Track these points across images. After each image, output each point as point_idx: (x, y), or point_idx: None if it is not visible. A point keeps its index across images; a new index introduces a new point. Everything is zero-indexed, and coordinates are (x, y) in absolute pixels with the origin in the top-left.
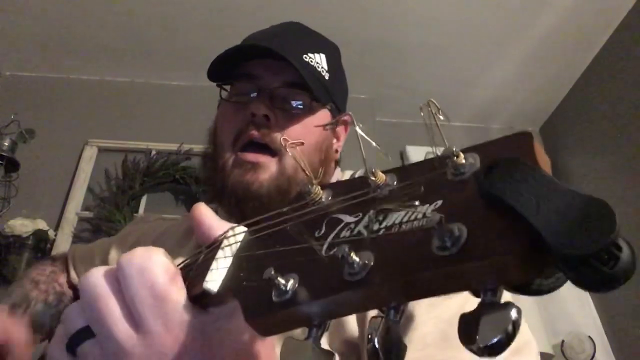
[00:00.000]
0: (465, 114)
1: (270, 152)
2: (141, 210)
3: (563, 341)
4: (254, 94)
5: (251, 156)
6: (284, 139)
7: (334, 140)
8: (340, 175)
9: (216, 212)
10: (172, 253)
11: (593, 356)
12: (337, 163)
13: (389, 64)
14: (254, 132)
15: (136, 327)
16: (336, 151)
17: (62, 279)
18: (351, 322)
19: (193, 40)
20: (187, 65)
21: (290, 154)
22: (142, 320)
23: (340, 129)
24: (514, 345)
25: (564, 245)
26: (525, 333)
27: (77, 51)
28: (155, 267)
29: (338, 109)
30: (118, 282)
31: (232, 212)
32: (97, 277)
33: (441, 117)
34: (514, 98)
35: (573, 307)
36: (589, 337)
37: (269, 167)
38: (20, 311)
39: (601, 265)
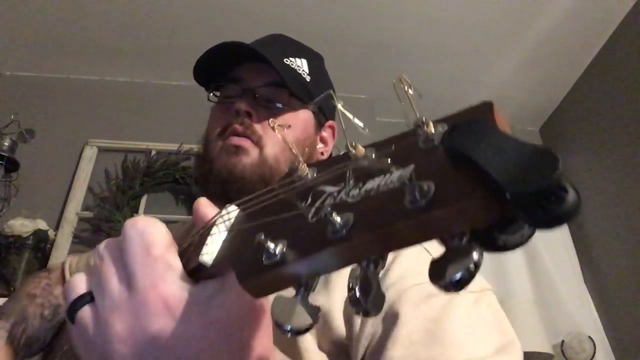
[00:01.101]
0: None
1: (252, 143)
2: (141, 210)
3: (563, 341)
4: (238, 95)
5: (235, 139)
6: (272, 121)
7: (320, 145)
8: None
9: None
10: None
11: (593, 356)
12: None
13: (389, 64)
14: (237, 126)
15: (128, 285)
16: (322, 153)
17: (58, 290)
18: (339, 323)
19: (193, 40)
20: (187, 65)
21: (277, 134)
22: (133, 277)
23: (327, 134)
24: (498, 343)
25: (514, 185)
26: (509, 333)
27: (77, 51)
28: (155, 231)
29: (323, 114)
30: (121, 245)
31: (218, 195)
32: (103, 244)
33: (411, 92)
34: (514, 98)
35: (573, 307)
36: (589, 337)
37: (251, 152)
38: (19, 330)
39: (549, 205)
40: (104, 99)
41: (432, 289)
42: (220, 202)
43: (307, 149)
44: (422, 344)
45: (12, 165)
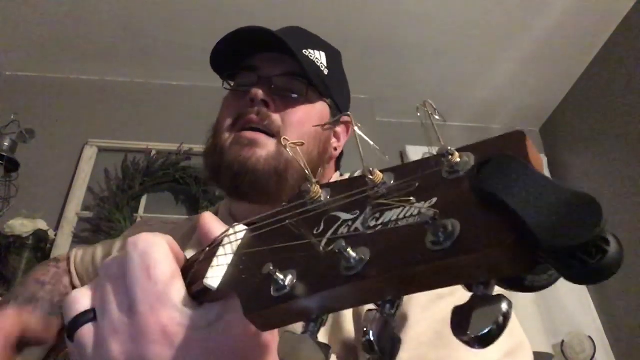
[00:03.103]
0: (465, 114)
1: (269, 135)
2: (141, 210)
3: (563, 341)
4: (254, 83)
5: (249, 134)
6: (284, 139)
7: (334, 139)
8: (339, 178)
9: (215, 213)
10: None
11: (593, 356)
12: (337, 164)
13: (389, 64)
14: (253, 116)
15: (128, 308)
16: (335, 149)
17: (66, 280)
18: (348, 324)
19: (193, 40)
20: (187, 65)
21: (291, 153)
22: (133, 300)
23: (341, 130)
24: (508, 346)
25: (551, 237)
26: (519, 335)
27: (77, 51)
28: (156, 252)
29: (338, 109)
30: (124, 267)
31: (229, 189)
32: (110, 261)
33: (437, 117)
34: (514, 98)
35: (573, 307)
36: (589, 337)
37: (267, 145)
38: (29, 309)
39: (588, 259)
40: (104, 99)
41: (440, 290)
42: (230, 194)
43: (322, 144)
44: (430, 346)
45: (12, 165)
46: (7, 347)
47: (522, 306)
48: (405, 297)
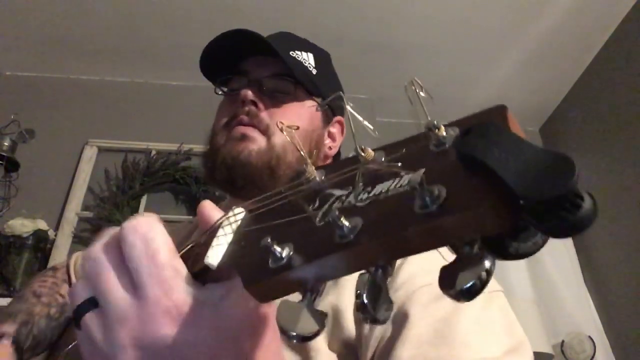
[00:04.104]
0: (465, 114)
1: (260, 131)
2: (141, 210)
3: (563, 341)
4: (244, 87)
5: (241, 128)
6: (280, 122)
7: (328, 140)
8: None
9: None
10: None
11: (593, 356)
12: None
13: (389, 64)
14: (243, 117)
15: (134, 293)
16: (330, 148)
17: (64, 289)
18: (349, 323)
19: (193, 40)
20: (187, 65)
21: (286, 136)
22: (142, 286)
23: (335, 130)
24: (508, 345)
25: (528, 192)
26: (519, 334)
27: (77, 51)
28: (157, 236)
29: (330, 108)
30: (119, 249)
31: (225, 185)
32: (99, 248)
33: (423, 94)
34: (514, 98)
35: (573, 307)
36: (589, 337)
37: (258, 139)
38: (26, 331)
39: (564, 212)
40: (104, 99)
41: (440, 290)
42: (227, 190)
43: (313, 142)
44: (431, 345)
45: (12, 165)
46: None
47: (522, 306)
48: (406, 296)
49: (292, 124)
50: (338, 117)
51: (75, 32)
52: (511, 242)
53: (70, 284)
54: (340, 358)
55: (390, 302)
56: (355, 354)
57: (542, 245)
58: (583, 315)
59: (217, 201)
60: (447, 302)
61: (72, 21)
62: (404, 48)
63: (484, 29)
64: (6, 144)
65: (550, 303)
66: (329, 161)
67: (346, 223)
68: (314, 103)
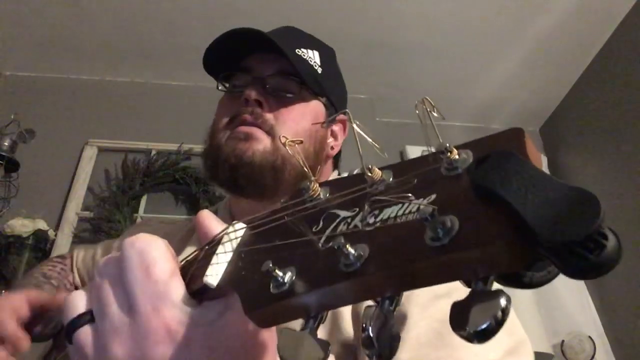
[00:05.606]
0: (465, 114)
1: (264, 132)
2: (141, 210)
3: (563, 341)
4: (248, 84)
5: (245, 128)
6: (283, 137)
7: (330, 138)
8: (337, 176)
9: (215, 213)
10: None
11: (593, 356)
12: (335, 163)
13: (389, 64)
14: (247, 116)
15: (129, 309)
16: (332, 148)
17: (71, 277)
18: (347, 324)
19: (193, 40)
20: (187, 65)
21: (290, 152)
22: (134, 300)
23: (338, 128)
24: (508, 345)
25: (550, 232)
26: (519, 333)
27: (77, 51)
28: (154, 251)
29: (334, 107)
30: (120, 263)
31: (227, 184)
32: (106, 261)
33: (435, 115)
34: (514, 98)
35: (573, 307)
36: (589, 337)
37: (263, 139)
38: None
39: (587, 253)
40: (104, 99)
41: (440, 290)
42: (228, 189)
43: (318, 142)
44: (430, 346)
45: (12, 165)
46: (19, 321)
47: (522, 306)
48: (405, 297)
49: (296, 139)
50: (341, 116)
51: (76, 32)
52: (526, 272)
53: (73, 276)
54: (338, 359)
55: (397, 337)
56: (354, 355)
57: (557, 274)
58: (583, 315)
59: (216, 201)
60: (446, 302)
61: (72, 21)
62: (404, 48)
63: (484, 29)
64: (6, 144)
65: (550, 303)
66: (330, 161)
67: (352, 250)
68: (319, 103)
